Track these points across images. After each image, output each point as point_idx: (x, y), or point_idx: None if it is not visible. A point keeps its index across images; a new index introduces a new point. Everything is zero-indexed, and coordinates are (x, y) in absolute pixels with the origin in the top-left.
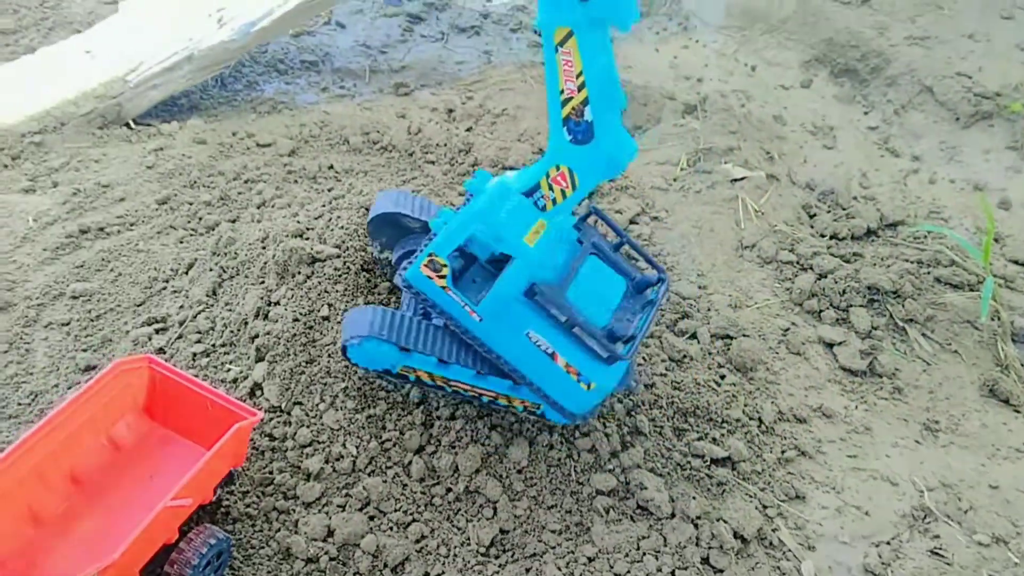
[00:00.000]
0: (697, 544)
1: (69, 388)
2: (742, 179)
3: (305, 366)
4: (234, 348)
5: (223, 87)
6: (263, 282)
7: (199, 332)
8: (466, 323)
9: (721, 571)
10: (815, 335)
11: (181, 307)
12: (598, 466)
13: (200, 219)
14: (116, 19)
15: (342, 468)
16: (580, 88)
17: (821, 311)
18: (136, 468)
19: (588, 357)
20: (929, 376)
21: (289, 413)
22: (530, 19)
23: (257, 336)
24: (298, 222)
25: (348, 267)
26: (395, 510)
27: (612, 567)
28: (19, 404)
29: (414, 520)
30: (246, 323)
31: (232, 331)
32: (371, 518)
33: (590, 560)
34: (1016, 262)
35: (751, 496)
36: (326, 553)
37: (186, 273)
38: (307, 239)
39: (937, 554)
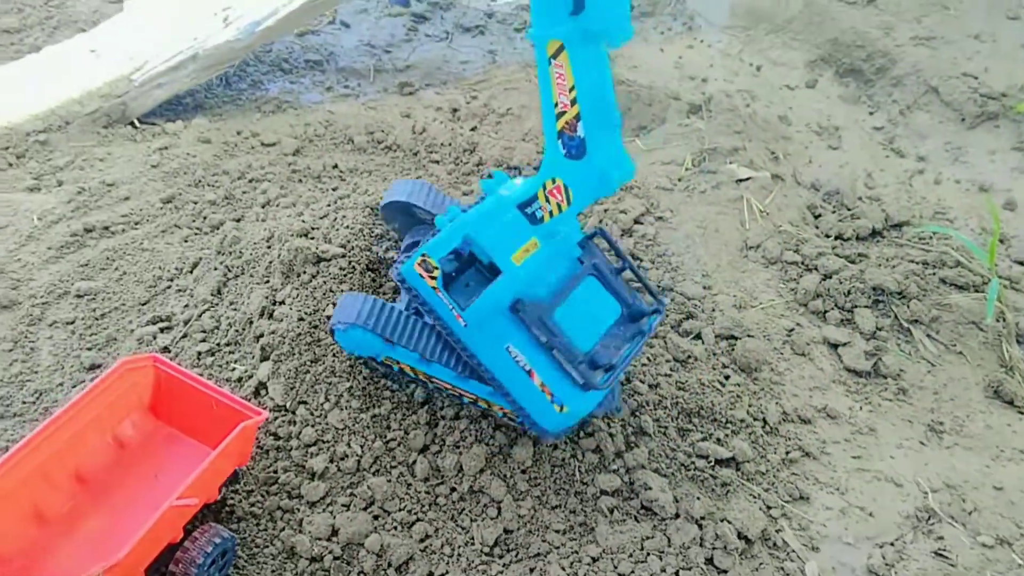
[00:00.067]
0: (701, 544)
1: (74, 387)
2: (747, 179)
3: (310, 365)
4: (239, 347)
5: (228, 86)
6: (268, 281)
7: (204, 331)
8: (452, 326)
9: (725, 572)
10: (820, 336)
11: (186, 306)
12: (602, 466)
13: (205, 218)
14: (121, 18)
15: (346, 467)
16: (573, 103)
17: (826, 312)
18: (141, 467)
19: (564, 380)
20: (934, 377)
21: (294, 412)
22: None
23: (262, 335)
24: (303, 221)
25: (353, 267)
26: (399, 509)
27: (616, 567)
28: (24, 402)
29: (418, 520)
30: (251, 322)
31: (237, 330)
32: (375, 517)
33: (594, 560)
34: (1022, 263)
35: (755, 497)
36: (330, 552)
37: (191, 272)
38: (312, 239)
39: (941, 555)
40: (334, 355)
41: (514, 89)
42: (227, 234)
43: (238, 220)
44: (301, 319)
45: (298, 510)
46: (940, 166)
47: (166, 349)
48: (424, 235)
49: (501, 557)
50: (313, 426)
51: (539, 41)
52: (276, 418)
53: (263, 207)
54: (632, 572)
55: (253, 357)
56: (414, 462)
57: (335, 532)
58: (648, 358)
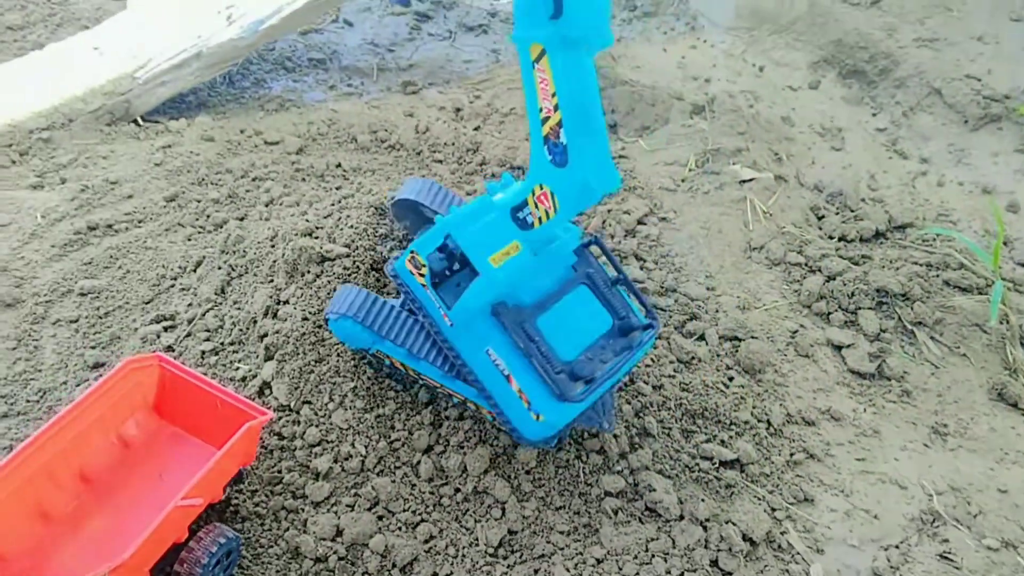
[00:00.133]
0: (706, 546)
1: (78, 385)
2: (750, 180)
3: (314, 365)
4: (243, 347)
5: (231, 84)
6: (272, 281)
7: (208, 330)
8: (440, 324)
9: (730, 574)
10: (823, 337)
11: (190, 305)
12: (607, 467)
13: (208, 217)
14: (124, 16)
15: (351, 468)
16: (555, 108)
17: (830, 313)
18: (146, 466)
19: (542, 388)
20: (938, 379)
21: (298, 412)
22: None
23: (266, 335)
24: (307, 221)
25: (358, 266)
26: (404, 510)
27: (621, 569)
28: (27, 401)
29: (423, 520)
30: (255, 321)
31: (241, 329)
32: (380, 518)
33: (598, 562)
34: None
35: (760, 499)
36: (335, 553)
37: (194, 271)
38: (316, 238)
39: (946, 558)
40: (338, 355)
41: (517, 88)
42: (231, 233)
43: (242, 219)
44: (305, 319)
45: (302, 510)
46: (943, 168)
47: (170, 348)
48: None
49: (505, 558)
50: (317, 426)
51: (521, 44)
52: (280, 418)
53: (267, 206)
54: (637, 574)
55: (257, 356)
56: (418, 462)
57: (339, 532)
58: (652, 359)
